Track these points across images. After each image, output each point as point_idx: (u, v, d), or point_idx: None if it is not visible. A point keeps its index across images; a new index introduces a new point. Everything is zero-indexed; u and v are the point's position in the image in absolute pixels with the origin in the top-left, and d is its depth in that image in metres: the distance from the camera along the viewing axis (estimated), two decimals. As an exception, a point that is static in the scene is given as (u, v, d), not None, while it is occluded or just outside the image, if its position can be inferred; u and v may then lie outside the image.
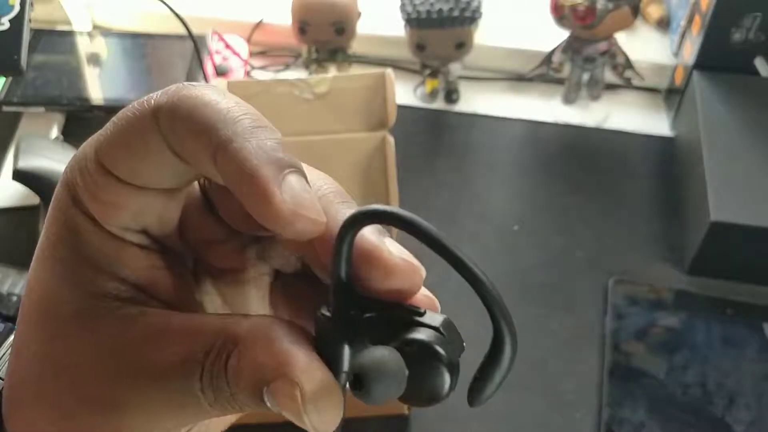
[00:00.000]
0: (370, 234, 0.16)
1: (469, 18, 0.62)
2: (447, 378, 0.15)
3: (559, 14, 0.61)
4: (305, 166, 0.17)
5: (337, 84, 0.49)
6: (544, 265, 0.56)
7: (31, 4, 0.57)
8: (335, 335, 0.16)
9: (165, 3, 0.63)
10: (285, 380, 0.15)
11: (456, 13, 0.61)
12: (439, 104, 0.70)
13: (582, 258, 0.57)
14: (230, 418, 0.20)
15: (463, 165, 0.64)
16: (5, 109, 0.65)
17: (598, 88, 0.67)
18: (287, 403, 0.15)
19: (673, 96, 0.68)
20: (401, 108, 0.49)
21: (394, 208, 0.15)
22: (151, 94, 0.16)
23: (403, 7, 0.63)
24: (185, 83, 0.17)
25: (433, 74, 0.68)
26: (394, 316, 0.16)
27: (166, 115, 0.16)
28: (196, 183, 0.19)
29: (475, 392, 0.16)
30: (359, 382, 0.15)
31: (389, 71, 0.48)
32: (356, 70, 0.69)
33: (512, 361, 0.15)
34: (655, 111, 0.69)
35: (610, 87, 0.69)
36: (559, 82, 0.68)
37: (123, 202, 0.17)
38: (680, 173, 0.62)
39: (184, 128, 0.16)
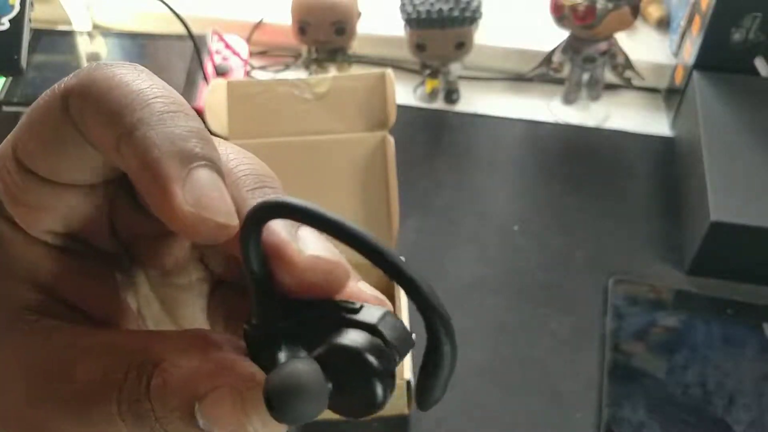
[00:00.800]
0: (277, 229, 0.14)
1: (469, 18, 0.62)
2: (379, 389, 0.13)
3: (559, 14, 0.61)
4: (228, 145, 0.15)
5: (337, 84, 0.49)
6: (544, 265, 0.56)
7: (31, 4, 0.57)
8: (265, 344, 0.14)
9: (165, 3, 0.63)
10: (223, 389, 0.13)
11: (456, 13, 0.61)
12: (439, 104, 0.70)
13: (582, 258, 0.57)
14: None
15: (463, 165, 0.64)
16: (5, 109, 0.65)
17: (597, 88, 0.67)
18: (227, 414, 0.13)
19: (673, 96, 0.68)
20: (401, 108, 0.50)
21: (293, 199, 0.13)
22: (64, 78, 0.14)
23: (403, 7, 0.63)
24: (100, 62, 0.14)
25: (433, 74, 0.68)
26: (324, 315, 0.14)
27: (76, 100, 0.14)
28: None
29: (421, 397, 0.14)
30: (269, 402, 0.13)
31: (389, 71, 0.48)
32: (356, 70, 0.69)
33: (453, 359, 0.14)
34: (655, 111, 0.69)
35: (610, 87, 0.69)
36: (559, 82, 0.68)
37: (46, 203, 0.15)
38: (680, 173, 0.63)
39: (92, 114, 0.14)
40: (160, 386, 0.14)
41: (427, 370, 0.14)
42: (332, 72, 0.67)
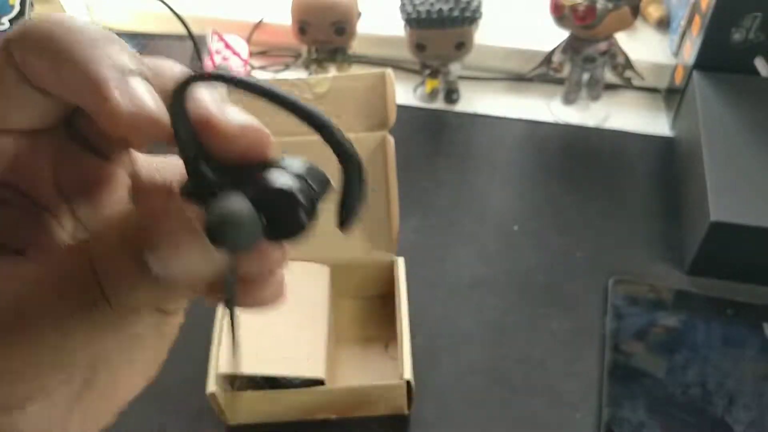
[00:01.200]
0: (205, 102, 0.16)
1: (469, 18, 0.62)
2: (304, 218, 0.16)
3: (559, 14, 0.61)
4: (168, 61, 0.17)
5: (337, 84, 0.49)
6: (544, 265, 0.56)
7: (31, 4, 0.57)
8: (200, 197, 0.16)
9: (165, 3, 0.63)
10: (172, 222, 0.15)
11: (456, 13, 0.61)
12: (439, 104, 0.70)
13: (582, 258, 0.57)
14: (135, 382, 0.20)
15: (463, 165, 0.64)
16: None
17: (597, 88, 0.67)
18: (180, 250, 0.15)
19: (673, 96, 0.68)
20: (401, 108, 0.49)
21: (225, 72, 0.16)
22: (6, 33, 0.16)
23: (403, 7, 0.63)
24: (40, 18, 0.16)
25: (433, 74, 0.68)
26: (253, 170, 0.16)
27: (17, 45, 0.15)
28: None
29: (341, 218, 0.16)
30: (209, 233, 0.15)
31: (389, 71, 0.48)
32: (356, 70, 0.69)
33: (361, 184, 0.16)
34: (655, 111, 0.69)
35: (610, 87, 0.69)
36: (559, 82, 0.68)
37: None
38: (680, 173, 0.63)
39: (34, 52, 0.15)
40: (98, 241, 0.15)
41: (344, 196, 0.16)
42: (332, 72, 0.67)
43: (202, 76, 0.16)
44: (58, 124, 0.17)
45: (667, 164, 0.64)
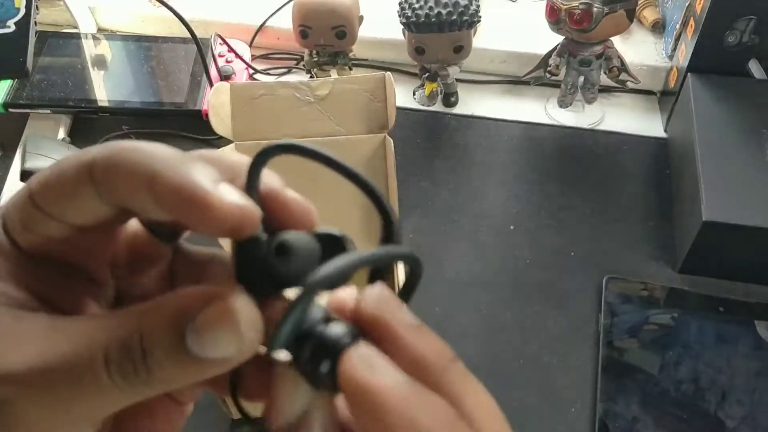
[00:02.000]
0: (271, 180, 0.19)
1: (467, 22, 0.62)
2: (353, 249, 0.18)
3: (555, 18, 0.61)
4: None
5: (337, 87, 0.49)
6: (540, 264, 0.57)
7: (37, 7, 0.58)
8: (258, 241, 0.18)
9: (169, 7, 0.64)
10: (218, 303, 0.17)
11: (454, 17, 0.61)
12: (437, 107, 0.70)
13: (576, 257, 0.57)
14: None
15: (461, 166, 0.65)
16: (12, 110, 0.66)
17: (593, 91, 0.67)
18: (221, 329, 0.17)
19: (667, 98, 0.68)
20: (401, 110, 0.50)
21: (294, 141, 0.18)
22: (89, 148, 0.18)
23: (402, 11, 0.63)
24: (121, 141, 0.19)
25: (432, 77, 0.68)
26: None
27: (102, 163, 0.18)
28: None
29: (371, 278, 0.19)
30: (282, 248, 0.17)
31: (389, 74, 0.49)
32: (357, 73, 0.70)
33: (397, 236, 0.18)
34: (650, 113, 0.70)
35: (606, 89, 0.70)
36: (555, 84, 0.69)
37: (47, 232, 0.19)
38: (674, 174, 0.63)
39: (120, 171, 0.17)
40: (150, 316, 0.17)
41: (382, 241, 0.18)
42: (333, 75, 0.68)
43: (274, 149, 0.18)
44: (119, 225, 0.20)
45: (661, 165, 0.65)
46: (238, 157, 0.19)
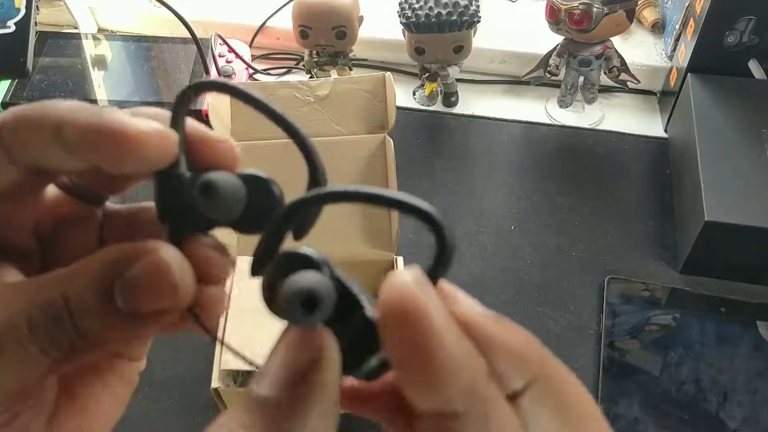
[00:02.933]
0: (193, 122, 0.19)
1: (467, 22, 0.62)
2: (276, 193, 0.18)
3: (555, 18, 0.61)
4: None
5: (338, 87, 0.49)
6: (541, 264, 0.57)
7: (37, 8, 0.58)
8: (182, 179, 0.18)
9: (169, 7, 0.64)
10: (150, 257, 0.17)
11: (454, 17, 0.61)
12: (437, 107, 0.70)
13: (577, 257, 0.57)
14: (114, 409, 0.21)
15: (462, 166, 0.65)
16: (12, 111, 0.66)
17: (593, 91, 0.67)
18: (155, 277, 0.17)
19: (667, 98, 0.68)
20: (401, 110, 0.50)
21: (219, 80, 0.18)
22: None
23: (402, 11, 0.63)
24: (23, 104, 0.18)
25: (432, 77, 0.68)
26: None
27: (7, 126, 0.17)
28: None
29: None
30: (206, 187, 0.17)
31: (389, 74, 0.49)
32: (357, 73, 0.70)
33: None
34: (650, 113, 0.70)
35: (606, 89, 0.70)
36: (555, 84, 0.69)
37: None
38: (674, 174, 0.63)
39: (27, 127, 0.17)
40: (74, 278, 0.17)
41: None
42: (333, 75, 0.67)
43: (198, 86, 0.18)
44: (36, 189, 0.20)
45: (661, 165, 0.64)
46: (158, 109, 0.19)
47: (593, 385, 0.49)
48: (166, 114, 0.18)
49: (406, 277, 0.15)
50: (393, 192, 0.16)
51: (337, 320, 0.16)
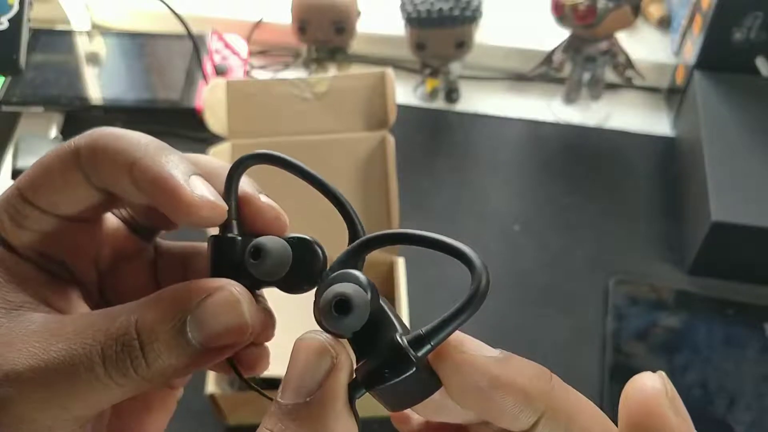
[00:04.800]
0: (247, 187, 0.21)
1: (470, 17, 0.62)
2: (320, 253, 0.20)
3: (560, 13, 0.61)
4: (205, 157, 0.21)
5: (336, 83, 0.48)
6: (545, 266, 0.56)
7: (30, 4, 0.57)
8: (234, 242, 0.20)
9: (164, 2, 0.63)
10: (220, 292, 0.18)
11: (456, 13, 0.61)
12: (439, 104, 0.70)
13: (582, 258, 0.57)
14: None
15: (464, 164, 0.64)
16: (4, 108, 0.65)
17: (598, 88, 0.66)
18: (227, 311, 0.18)
19: (674, 95, 0.68)
20: (401, 107, 0.49)
21: (271, 151, 0.20)
22: (68, 140, 0.20)
23: (403, 6, 0.63)
24: (102, 127, 0.20)
25: (434, 74, 0.68)
26: None
27: (87, 150, 0.19)
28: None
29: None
30: (257, 251, 0.19)
31: (389, 71, 0.48)
32: (356, 69, 0.69)
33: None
34: (656, 110, 0.69)
35: (611, 86, 0.69)
36: (560, 81, 0.68)
37: (43, 228, 0.20)
38: (681, 173, 0.62)
39: (103, 157, 0.19)
40: (147, 311, 0.18)
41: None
42: (332, 71, 0.67)
43: (251, 158, 0.20)
44: (103, 213, 0.21)
45: (667, 164, 0.64)
46: (217, 161, 0.21)
47: (598, 389, 0.49)
48: (225, 169, 0.20)
49: (657, 383, 0.17)
50: (436, 235, 0.19)
51: (369, 338, 0.18)
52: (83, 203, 0.20)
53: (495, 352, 0.18)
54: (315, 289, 0.19)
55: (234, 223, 0.20)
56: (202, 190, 0.19)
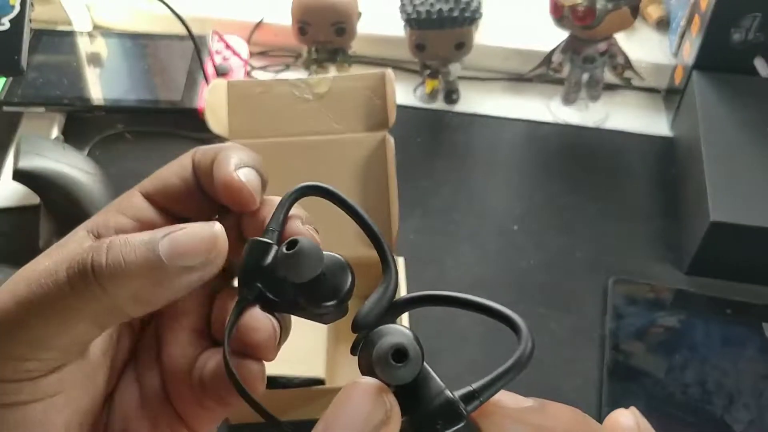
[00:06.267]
0: (296, 211, 0.22)
1: (469, 18, 0.62)
2: (350, 274, 0.21)
3: (559, 14, 0.61)
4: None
5: (337, 84, 0.49)
6: (544, 265, 0.56)
7: (32, 5, 0.57)
8: (269, 247, 0.21)
9: (165, 3, 0.63)
10: (198, 223, 0.20)
11: (456, 14, 0.61)
12: (438, 104, 0.70)
13: (581, 258, 0.57)
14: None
15: (463, 165, 0.64)
16: (6, 109, 0.65)
17: (597, 89, 0.66)
18: (199, 229, 0.20)
19: (672, 96, 0.68)
20: (401, 108, 0.50)
21: (322, 184, 0.22)
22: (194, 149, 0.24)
23: (402, 7, 0.63)
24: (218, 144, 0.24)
25: (433, 74, 0.68)
26: None
27: (200, 156, 0.23)
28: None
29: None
30: (293, 244, 0.20)
31: (389, 71, 0.48)
32: (356, 70, 0.69)
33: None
34: (655, 111, 0.69)
35: (610, 87, 0.69)
36: (559, 82, 0.68)
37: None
38: (679, 173, 0.63)
39: (206, 162, 0.23)
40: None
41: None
42: (332, 72, 0.67)
43: (308, 189, 0.22)
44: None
45: (666, 164, 0.64)
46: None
47: (597, 388, 0.49)
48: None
49: (629, 421, 0.18)
50: (485, 300, 0.20)
51: (413, 392, 0.19)
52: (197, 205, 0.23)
53: (530, 402, 0.19)
54: (356, 336, 0.20)
55: (276, 233, 0.21)
56: (246, 177, 0.21)
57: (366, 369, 0.19)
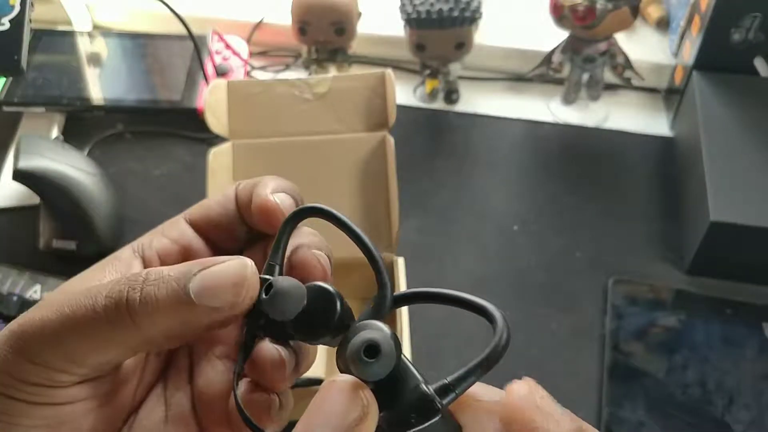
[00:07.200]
0: (304, 238, 0.23)
1: (469, 18, 0.62)
2: (338, 305, 0.20)
3: (559, 14, 0.61)
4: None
5: (337, 84, 0.49)
6: (544, 265, 0.56)
7: (32, 5, 0.57)
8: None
9: (165, 3, 0.63)
10: (229, 262, 0.20)
11: (456, 13, 0.61)
12: (438, 104, 0.70)
13: (581, 258, 0.57)
14: None
15: (463, 165, 0.64)
16: (6, 109, 0.65)
17: (597, 89, 0.66)
18: (230, 267, 0.20)
19: (672, 96, 0.68)
20: (401, 108, 0.49)
21: (320, 206, 0.22)
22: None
23: (402, 7, 0.63)
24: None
25: (433, 74, 0.68)
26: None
27: (241, 193, 0.25)
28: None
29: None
30: (269, 287, 0.20)
31: (389, 71, 0.48)
32: (356, 70, 0.69)
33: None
34: (655, 111, 0.69)
35: (610, 87, 0.69)
36: (559, 82, 0.68)
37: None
38: (680, 173, 0.63)
39: (247, 196, 0.24)
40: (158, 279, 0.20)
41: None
42: (332, 72, 0.67)
43: (303, 212, 0.22)
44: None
45: (666, 164, 0.64)
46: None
47: (597, 388, 0.49)
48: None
49: (522, 389, 0.19)
50: (458, 293, 0.20)
51: (391, 387, 0.19)
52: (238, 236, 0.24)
53: (502, 393, 0.19)
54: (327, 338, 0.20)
55: (277, 267, 0.22)
56: (278, 200, 0.23)
57: (343, 367, 0.19)
